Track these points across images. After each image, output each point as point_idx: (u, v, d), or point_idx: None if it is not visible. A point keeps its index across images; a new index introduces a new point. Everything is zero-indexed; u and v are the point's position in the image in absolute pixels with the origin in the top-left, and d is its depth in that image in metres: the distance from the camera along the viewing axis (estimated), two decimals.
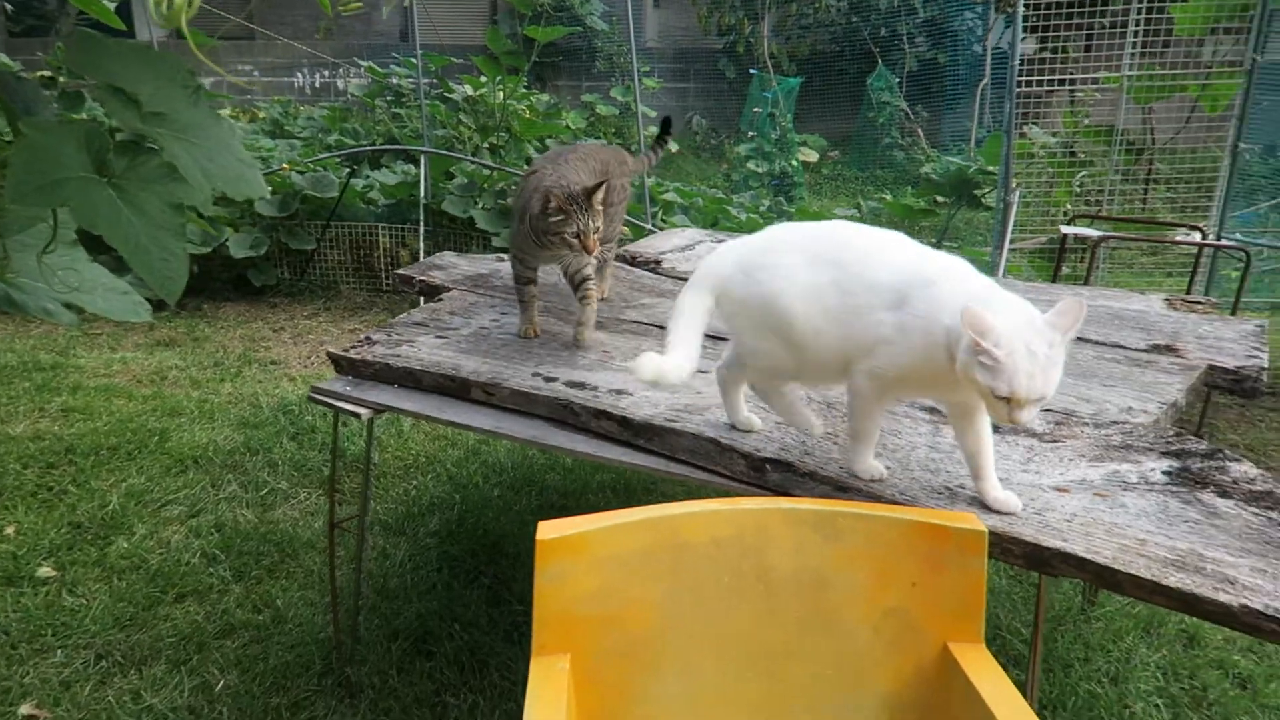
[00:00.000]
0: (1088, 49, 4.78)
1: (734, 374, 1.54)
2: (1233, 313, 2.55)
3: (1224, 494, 1.36)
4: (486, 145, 5.68)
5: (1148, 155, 4.70)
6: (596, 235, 1.89)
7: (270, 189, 4.97)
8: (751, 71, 8.74)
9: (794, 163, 7.61)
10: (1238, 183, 4.23)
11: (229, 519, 2.70)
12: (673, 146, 9.24)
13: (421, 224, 4.98)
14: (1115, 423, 1.59)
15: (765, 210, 5.99)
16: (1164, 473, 1.43)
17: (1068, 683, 2.09)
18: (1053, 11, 4.19)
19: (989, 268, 3.70)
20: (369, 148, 5.94)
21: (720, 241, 2.91)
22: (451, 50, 6.57)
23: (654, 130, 8.82)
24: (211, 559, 2.49)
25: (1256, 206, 5.25)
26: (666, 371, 1.39)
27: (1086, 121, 4.70)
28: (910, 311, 1.27)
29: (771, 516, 1.22)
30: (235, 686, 2.02)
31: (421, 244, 4.96)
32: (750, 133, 7.94)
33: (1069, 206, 4.35)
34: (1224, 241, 3.70)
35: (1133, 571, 1.16)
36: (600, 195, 1.90)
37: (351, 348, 1.93)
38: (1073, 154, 4.71)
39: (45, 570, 2.41)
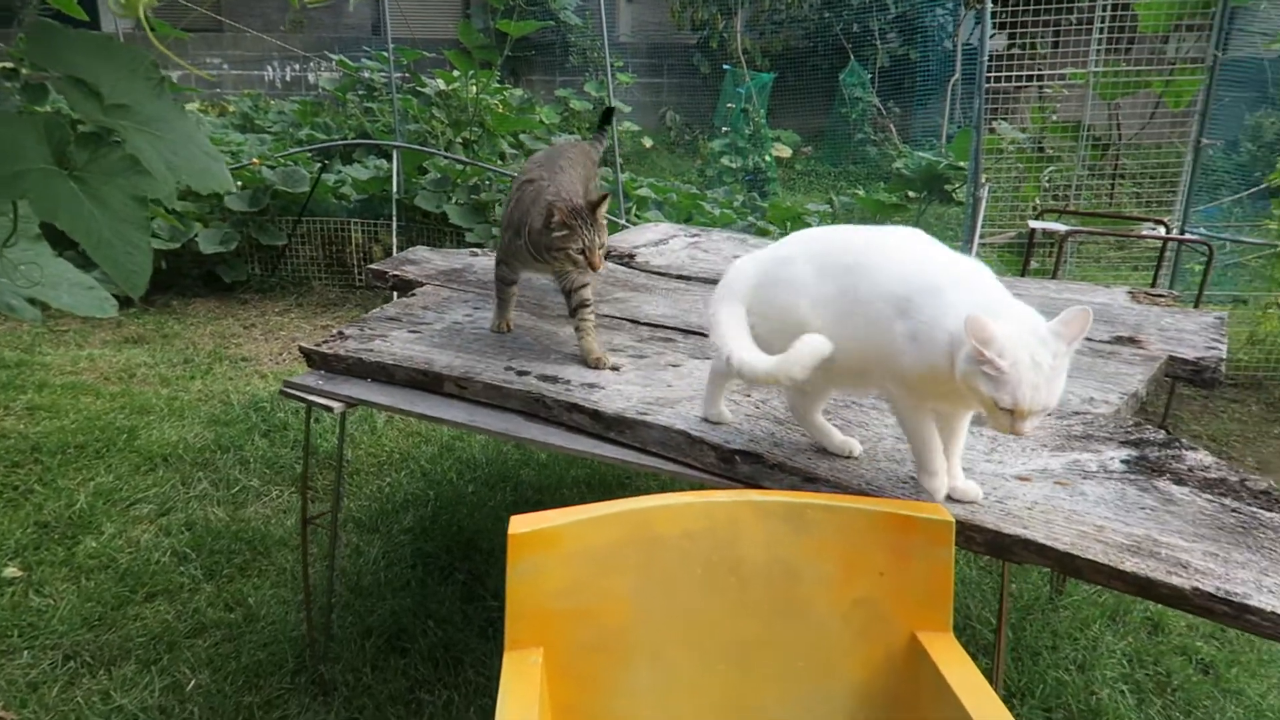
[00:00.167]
0: (1056, 45, 4.84)
1: (722, 377, 1.53)
2: (1196, 305, 2.60)
3: (1179, 481, 1.39)
4: (460, 140, 5.65)
5: (1114, 151, 4.77)
6: (601, 251, 1.80)
7: (240, 184, 4.91)
8: (725, 67, 8.76)
9: (768, 158, 7.64)
10: (1201, 178, 4.31)
11: (200, 517, 2.67)
12: (646, 142, 9.26)
13: (394, 219, 4.95)
14: (1077, 413, 1.62)
15: (739, 206, 6.01)
16: (1123, 461, 1.46)
17: (1036, 670, 2.13)
18: (1021, 8, 4.24)
19: None
20: (341, 142, 5.89)
21: (694, 237, 2.92)
22: (423, 44, 6.52)
23: (631, 127, 8.82)
24: (182, 557, 2.47)
25: (1219, 201, 5.35)
26: (744, 366, 1.37)
27: (1054, 117, 4.76)
28: (917, 319, 1.25)
29: (742, 509, 1.24)
30: (207, 685, 2.00)
31: (394, 239, 4.93)
32: (724, 128, 7.96)
33: (1037, 201, 4.40)
34: (1188, 236, 3.76)
35: (1091, 557, 1.18)
36: (604, 209, 1.82)
37: (324, 342, 1.92)
38: (1041, 149, 4.77)
39: (11, 570, 2.38)
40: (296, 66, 10.13)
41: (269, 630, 2.18)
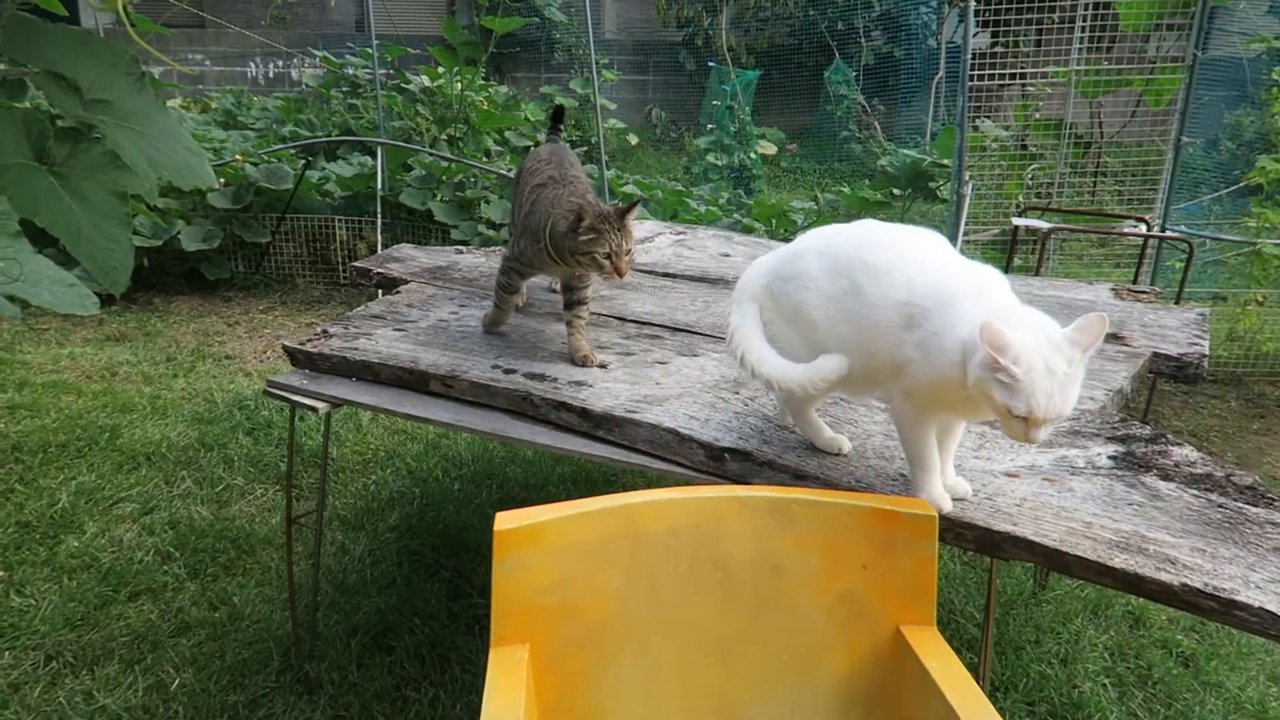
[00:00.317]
0: (1038, 44, 4.87)
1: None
2: (1177, 302, 2.63)
3: (1166, 477, 1.40)
4: (444, 137, 5.63)
5: (1096, 149, 4.81)
6: (628, 257, 1.77)
7: (223, 180, 4.87)
8: (710, 64, 8.76)
9: (753, 155, 7.65)
10: (1181, 176, 4.35)
11: (183, 516, 2.65)
12: (632, 139, 9.25)
13: (379, 216, 4.92)
14: None
15: (724, 203, 6.01)
16: (1110, 457, 1.47)
17: (1019, 664, 2.15)
18: (1004, 6, 4.26)
19: None
20: (325, 139, 5.86)
21: (680, 235, 2.92)
22: (408, 40, 6.48)
23: (616, 124, 8.81)
24: (166, 557, 2.45)
25: (1199, 199, 5.40)
26: (786, 377, 1.37)
27: (1037, 115, 4.79)
28: (927, 328, 1.23)
29: (728, 505, 1.24)
30: (191, 685, 1.99)
31: (379, 236, 4.90)
32: (709, 125, 7.96)
33: (1020, 199, 4.43)
34: (1168, 233, 3.80)
35: (1079, 553, 1.19)
36: (633, 215, 1.78)
37: (308, 340, 1.91)
38: (1024, 147, 4.80)
39: None
40: (279, 63, 10.06)
41: (254, 629, 2.17)
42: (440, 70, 5.83)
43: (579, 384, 1.71)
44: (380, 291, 2.45)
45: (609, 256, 1.74)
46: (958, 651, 1.17)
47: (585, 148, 7.57)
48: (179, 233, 4.72)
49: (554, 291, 2.28)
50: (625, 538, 1.21)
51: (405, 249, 2.61)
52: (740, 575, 1.23)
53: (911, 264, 1.28)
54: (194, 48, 9.89)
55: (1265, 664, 2.20)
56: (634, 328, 2.06)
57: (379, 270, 2.39)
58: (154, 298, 4.82)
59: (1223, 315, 4.23)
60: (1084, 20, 4.21)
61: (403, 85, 6.04)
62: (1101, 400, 1.66)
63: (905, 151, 7.45)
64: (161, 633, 2.15)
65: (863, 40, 9.37)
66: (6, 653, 2.06)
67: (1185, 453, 1.47)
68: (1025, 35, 4.76)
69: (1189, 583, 1.13)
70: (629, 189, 5.48)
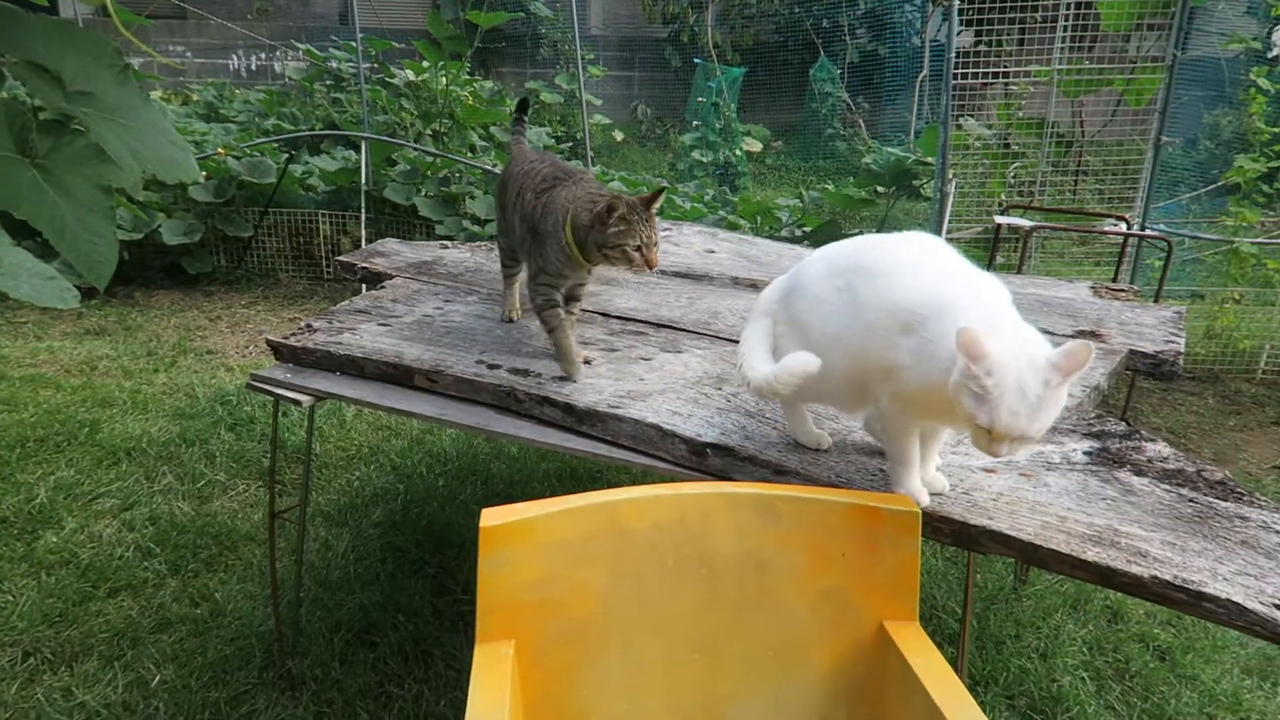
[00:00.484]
0: (1021, 43, 4.90)
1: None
2: (1155, 300, 2.66)
3: (1139, 473, 1.42)
4: (429, 132, 5.60)
5: (1077, 147, 4.85)
6: (656, 248, 1.69)
7: (205, 174, 4.83)
8: (696, 61, 8.77)
9: (738, 152, 7.66)
10: (1160, 175, 4.39)
11: (164, 512, 2.63)
12: (618, 135, 9.25)
13: (363, 211, 4.90)
14: None
15: (710, 200, 6.02)
16: (1085, 453, 1.49)
17: (999, 659, 2.17)
18: (987, 5, 4.29)
19: None
20: (308, 133, 5.82)
21: (665, 231, 2.92)
22: (392, 34, 6.45)
23: (602, 120, 8.80)
24: (146, 552, 2.44)
25: (1178, 198, 5.47)
26: (755, 375, 1.38)
27: (1020, 114, 4.82)
28: (924, 336, 1.22)
29: (713, 501, 1.25)
30: (172, 681, 1.98)
31: (363, 231, 4.88)
32: (695, 122, 7.97)
33: (1003, 197, 4.46)
34: (1148, 232, 3.84)
35: (1054, 547, 1.21)
36: (659, 204, 1.71)
37: (292, 334, 1.90)
38: (1006, 146, 4.83)
39: None
40: (262, 55, 9.97)
41: (236, 625, 2.16)
42: (425, 64, 5.80)
43: (563, 379, 1.72)
44: (365, 286, 2.44)
45: (639, 248, 1.67)
46: (939, 646, 1.18)
47: (571, 143, 7.56)
48: (160, 226, 4.68)
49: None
50: (611, 534, 1.21)
51: (390, 244, 2.60)
52: (725, 571, 1.24)
53: (909, 268, 1.27)
54: (175, 39, 9.79)
55: (1239, 657, 2.24)
56: (618, 324, 2.07)
57: (364, 265, 2.38)
58: (134, 291, 4.78)
59: (1200, 313, 4.29)
60: (1066, 20, 4.25)
61: (387, 79, 6.00)
62: (1079, 397, 1.68)
63: (889, 149, 7.49)
64: (142, 629, 2.14)
65: (848, 38, 9.40)
66: None
67: (1158, 449, 1.49)
68: (1008, 34, 4.79)
69: (1159, 575, 1.15)
70: (614, 185, 5.48)
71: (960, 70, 4.25)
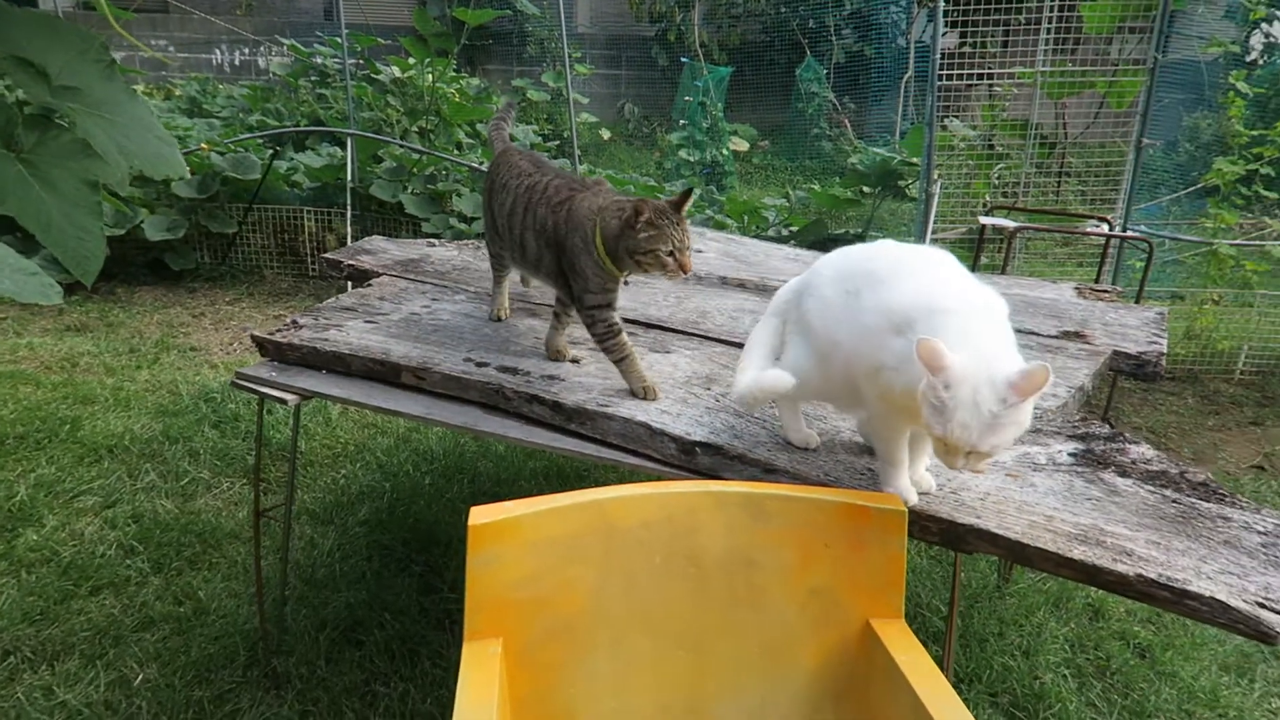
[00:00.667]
0: (1005, 44, 4.93)
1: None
2: (1137, 301, 2.68)
3: (1124, 473, 1.44)
4: (415, 129, 5.58)
5: (1060, 149, 4.89)
6: (690, 252, 1.62)
7: (189, 170, 4.79)
8: (683, 60, 8.77)
9: (725, 152, 7.67)
10: (1142, 177, 4.44)
11: (147, 509, 2.61)
12: (605, 133, 9.24)
13: (349, 208, 4.87)
14: None
15: (697, 199, 6.03)
16: (1070, 454, 1.50)
17: (983, 656, 2.19)
18: (972, 6, 4.31)
19: None
20: (293, 129, 5.78)
21: None
22: (378, 30, 6.42)
23: (589, 118, 8.78)
24: (129, 550, 2.41)
25: (1159, 200, 5.52)
26: (736, 387, 1.45)
27: (1004, 115, 4.86)
28: (910, 338, 1.21)
29: (701, 499, 1.25)
30: (155, 680, 1.97)
31: (349, 229, 4.86)
32: (682, 121, 7.98)
33: (987, 198, 4.49)
34: (1130, 233, 3.88)
35: (1041, 546, 1.22)
36: (689, 206, 1.65)
37: (277, 331, 1.89)
38: (991, 147, 4.86)
39: None
40: (246, 50, 9.90)
41: (220, 624, 2.14)
42: (411, 61, 5.78)
43: (551, 378, 1.72)
44: (350, 284, 2.43)
45: (672, 253, 1.59)
46: (924, 644, 1.19)
47: (558, 142, 7.55)
48: (142, 222, 4.63)
49: (524, 285, 2.27)
50: (599, 532, 1.21)
51: (377, 241, 2.59)
52: (713, 570, 1.24)
53: (910, 275, 1.30)
54: (158, 33, 9.70)
55: (1218, 654, 2.26)
56: None
57: (350, 262, 2.37)
58: (116, 288, 4.73)
59: (1180, 314, 4.33)
60: (1049, 22, 4.28)
61: (373, 76, 5.98)
62: (1064, 398, 1.70)
63: (875, 150, 7.51)
64: (124, 627, 2.12)
65: (834, 38, 9.43)
66: None
67: (1142, 450, 1.50)
68: (992, 36, 4.82)
69: (1144, 573, 1.16)
70: None
71: (945, 71, 4.27)
